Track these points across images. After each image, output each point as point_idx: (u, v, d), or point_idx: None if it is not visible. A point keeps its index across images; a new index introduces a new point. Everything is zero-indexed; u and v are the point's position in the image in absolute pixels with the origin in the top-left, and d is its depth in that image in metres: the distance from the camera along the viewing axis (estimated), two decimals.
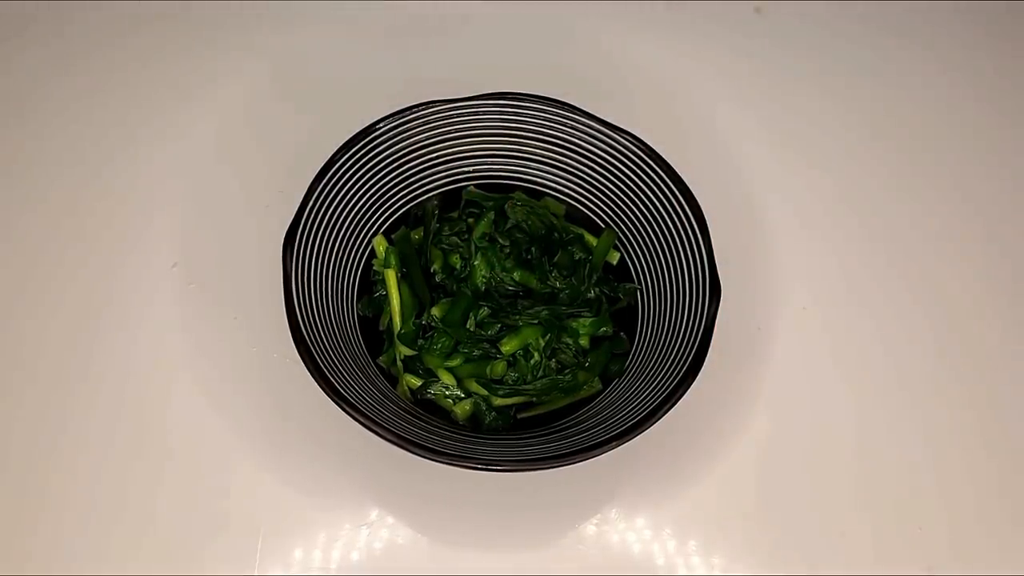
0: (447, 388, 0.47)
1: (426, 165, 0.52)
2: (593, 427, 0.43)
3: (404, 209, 0.52)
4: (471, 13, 0.66)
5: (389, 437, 0.40)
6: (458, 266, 0.50)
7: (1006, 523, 0.49)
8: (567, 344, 0.48)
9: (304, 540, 0.47)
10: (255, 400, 0.50)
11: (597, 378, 0.48)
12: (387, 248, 0.50)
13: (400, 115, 0.50)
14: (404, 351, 0.48)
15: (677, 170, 0.48)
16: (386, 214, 0.51)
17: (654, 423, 0.41)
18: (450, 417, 0.48)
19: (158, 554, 0.46)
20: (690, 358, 0.43)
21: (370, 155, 0.49)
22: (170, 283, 0.54)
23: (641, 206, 0.50)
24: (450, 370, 0.48)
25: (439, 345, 0.47)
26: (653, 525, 0.48)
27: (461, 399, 0.47)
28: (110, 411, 0.50)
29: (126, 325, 0.52)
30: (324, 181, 0.47)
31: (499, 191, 0.53)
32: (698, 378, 0.42)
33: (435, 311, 0.48)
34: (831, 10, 0.69)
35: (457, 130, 0.51)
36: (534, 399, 0.48)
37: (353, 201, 0.49)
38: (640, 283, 0.50)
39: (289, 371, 0.49)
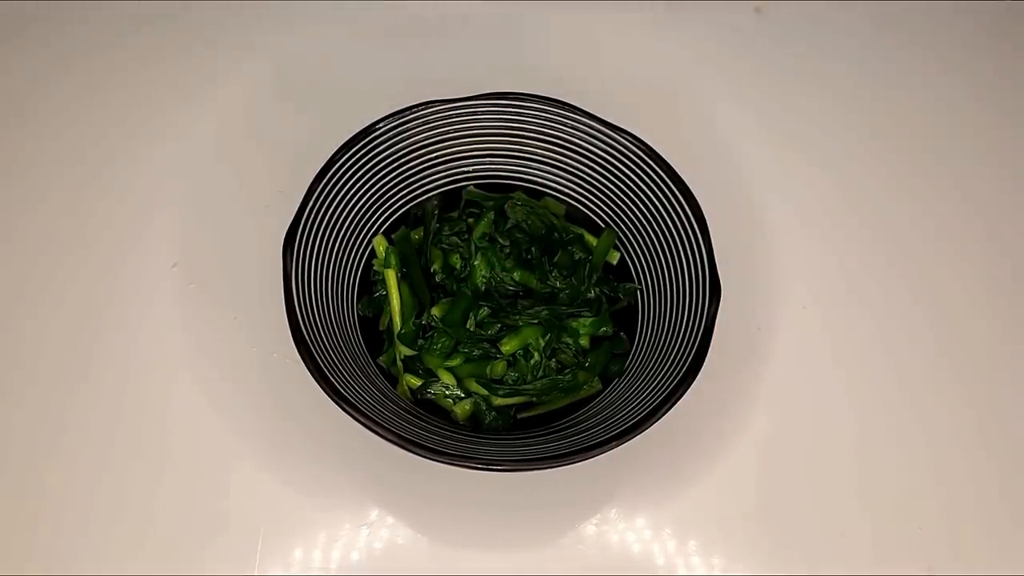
0: (447, 388, 0.47)
1: (426, 165, 0.52)
2: (593, 427, 0.43)
3: (404, 209, 0.52)
4: (471, 13, 0.66)
5: (389, 437, 0.40)
6: (458, 266, 0.50)
7: (1006, 523, 0.49)
8: (567, 344, 0.48)
9: (304, 540, 0.47)
10: (255, 400, 0.50)
11: (597, 378, 0.48)
12: (387, 248, 0.50)
13: (400, 115, 0.50)
14: (404, 351, 0.48)
15: (677, 170, 0.48)
16: (386, 214, 0.51)
17: (654, 423, 0.41)
18: (450, 417, 0.48)
19: (158, 554, 0.46)
20: (690, 358, 0.43)
21: (370, 155, 0.49)
22: (170, 283, 0.54)
23: (641, 206, 0.50)
24: (450, 370, 0.48)
25: (439, 345, 0.47)
26: (653, 525, 0.48)
27: (461, 399, 0.47)
28: (110, 411, 0.50)
29: (126, 325, 0.52)
30: (324, 181, 0.47)
31: (499, 191, 0.53)
32: (698, 378, 0.42)
33: (435, 311, 0.48)
34: (831, 10, 0.69)
35: (457, 130, 0.51)
36: (534, 399, 0.48)
37: (353, 201, 0.49)
38: (640, 283, 0.50)
39: (289, 371, 0.49)
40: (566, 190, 0.53)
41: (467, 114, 0.50)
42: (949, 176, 0.61)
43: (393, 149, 0.50)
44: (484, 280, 0.49)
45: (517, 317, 0.48)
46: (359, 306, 0.50)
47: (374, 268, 0.51)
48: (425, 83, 0.55)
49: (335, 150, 0.48)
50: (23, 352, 0.51)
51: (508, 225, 0.51)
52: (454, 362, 0.47)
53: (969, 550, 0.48)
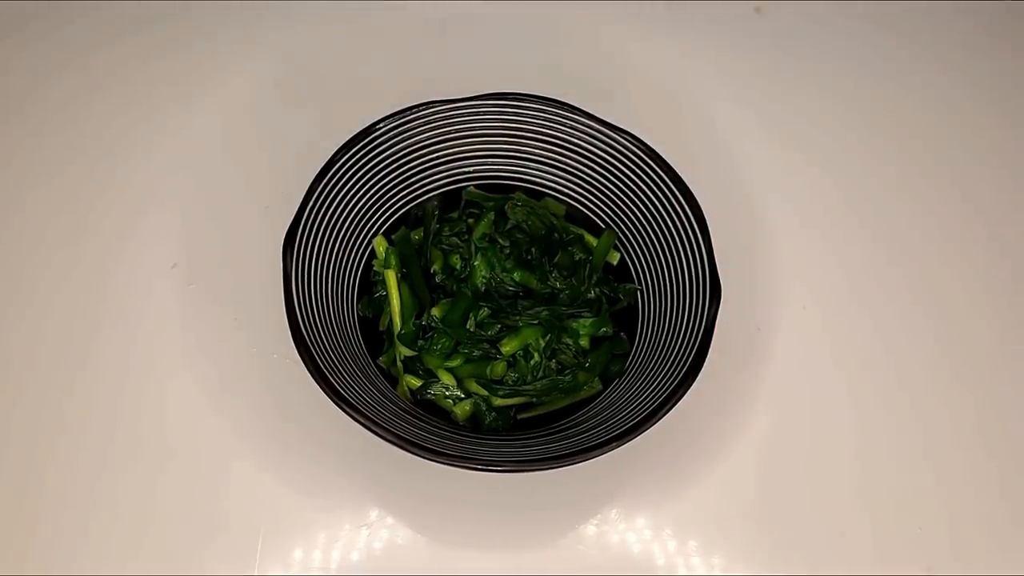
0: (447, 388, 0.47)
1: (426, 165, 0.52)
2: (593, 428, 0.43)
3: (404, 209, 0.52)
4: (471, 13, 0.66)
5: (389, 437, 0.40)
6: (458, 266, 0.50)
7: (1006, 523, 0.49)
8: (567, 344, 0.48)
9: (304, 540, 0.47)
10: (255, 400, 0.50)
11: (597, 379, 0.48)
12: (387, 248, 0.50)
13: (400, 115, 0.50)
14: (404, 351, 0.48)
15: (677, 170, 0.48)
16: (386, 214, 0.51)
17: (654, 424, 0.41)
18: (450, 418, 0.48)
19: (158, 554, 0.46)
20: (690, 358, 0.43)
21: (370, 155, 0.49)
22: (170, 283, 0.54)
23: (641, 206, 0.50)
24: (450, 370, 0.48)
25: (439, 345, 0.47)
26: (653, 525, 0.48)
27: (461, 399, 0.47)
28: (110, 411, 0.50)
29: (126, 325, 0.52)
30: (324, 181, 0.47)
31: (499, 191, 0.53)
32: (698, 378, 0.42)
33: (435, 311, 0.48)
34: (831, 10, 0.69)
35: (457, 130, 0.51)
36: (534, 400, 0.48)
37: (353, 201, 0.49)
38: (640, 283, 0.50)
39: (289, 371, 0.49)
40: (566, 190, 0.53)
41: (467, 114, 0.50)
42: (949, 176, 0.61)
43: (393, 149, 0.50)
44: (484, 281, 0.49)
45: (517, 318, 0.48)
46: (359, 306, 0.50)
47: (374, 268, 0.50)
48: (425, 83, 0.55)
49: (335, 150, 0.48)
50: (23, 352, 0.51)
51: (508, 225, 0.51)
52: (454, 363, 0.47)
53: (969, 550, 0.48)
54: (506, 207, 0.51)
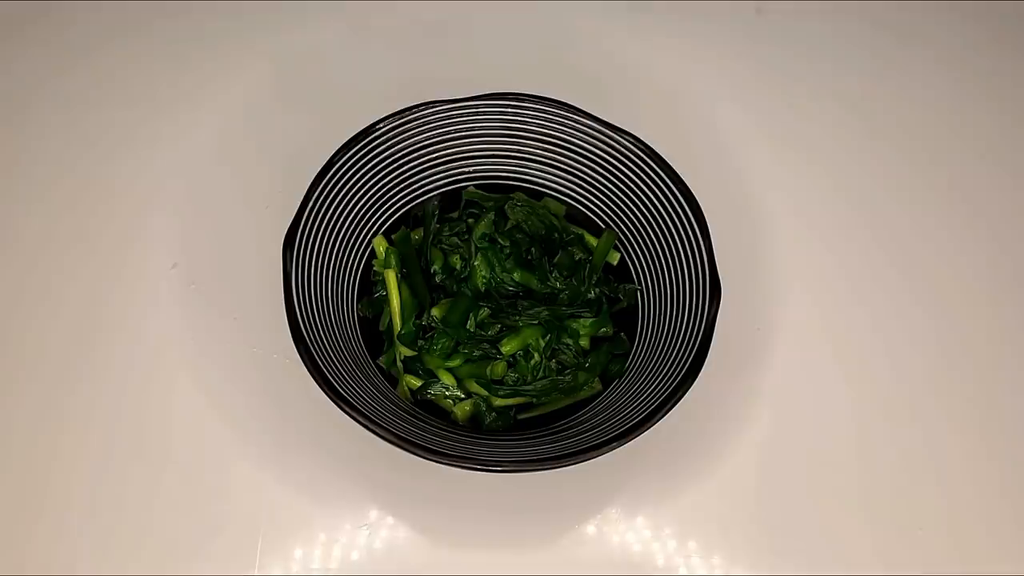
0: (447, 389, 0.47)
1: (426, 165, 0.52)
2: (593, 428, 0.43)
3: (404, 209, 0.52)
4: (471, 13, 0.66)
5: (389, 437, 0.40)
6: (458, 267, 0.50)
7: (1006, 523, 0.49)
8: (567, 345, 0.48)
9: (304, 540, 0.47)
10: (255, 400, 0.50)
11: (597, 379, 0.48)
12: (387, 248, 0.50)
13: (400, 115, 0.50)
14: (404, 352, 0.48)
15: (677, 170, 0.48)
16: (386, 214, 0.51)
17: (654, 424, 0.41)
18: (450, 418, 0.48)
19: (158, 554, 0.46)
20: (690, 359, 0.43)
21: (370, 155, 0.49)
22: (170, 283, 0.54)
23: (641, 206, 0.50)
24: (450, 371, 0.48)
25: (439, 346, 0.47)
26: (653, 525, 0.48)
27: (461, 400, 0.47)
28: (110, 411, 0.50)
29: (126, 325, 0.52)
30: (324, 181, 0.47)
31: (499, 191, 0.53)
32: (698, 378, 0.42)
33: (435, 312, 0.48)
34: (831, 10, 0.69)
35: (457, 130, 0.51)
36: (534, 400, 0.48)
37: (353, 201, 0.49)
38: (640, 283, 0.50)
39: (289, 371, 0.49)
40: (566, 190, 0.53)
41: (467, 114, 0.51)
42: (949, 176, 0.61)
43: (393, 150, 0.50)
44: (484, 281, 0.49)
45: (517, 318, 0.48)
46: (359, 307, 0.50)
47: (374, 268, 0.51)
48: (425, 83, 0.55)
49: (335, 150, 0.48)
50: (23, 352, 0.51)
51: (508, 226, 0.51)
52: (454, 363, 0.47)
53: (969, 551, 0.48)
54: (506, 207, 0.51)
